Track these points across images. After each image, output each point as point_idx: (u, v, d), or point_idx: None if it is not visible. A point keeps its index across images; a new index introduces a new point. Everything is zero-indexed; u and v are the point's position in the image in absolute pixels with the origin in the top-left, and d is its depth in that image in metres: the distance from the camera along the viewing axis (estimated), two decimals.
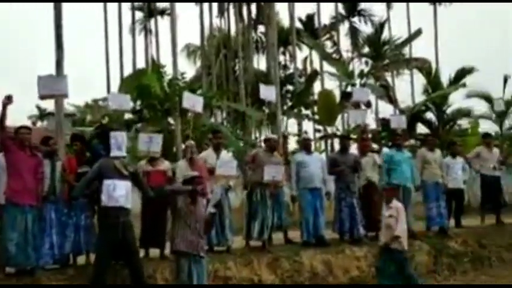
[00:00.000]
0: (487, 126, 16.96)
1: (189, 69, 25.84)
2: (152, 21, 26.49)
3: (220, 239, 6.31)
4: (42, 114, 31.23)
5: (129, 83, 15.06)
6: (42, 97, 5.64)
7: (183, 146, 7.70)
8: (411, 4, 25.54)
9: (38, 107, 31.54)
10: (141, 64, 24.05)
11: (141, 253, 5.70)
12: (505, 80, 17.45)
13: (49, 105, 24.41)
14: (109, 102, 6.79)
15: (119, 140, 4.84)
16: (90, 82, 42.30)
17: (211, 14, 23.61)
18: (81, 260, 5.61)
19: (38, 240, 5.13)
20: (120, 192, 4.64)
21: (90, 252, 5.50)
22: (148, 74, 15.10)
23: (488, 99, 17.46)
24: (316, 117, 18.81)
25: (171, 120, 14.85)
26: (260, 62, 27.21)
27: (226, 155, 6.76)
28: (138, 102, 15.39)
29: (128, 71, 21.77)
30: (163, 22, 27.00)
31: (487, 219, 8.96)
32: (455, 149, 8.76)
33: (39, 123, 30.53)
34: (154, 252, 6.02)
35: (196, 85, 18.30)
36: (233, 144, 14.30)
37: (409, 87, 23.83)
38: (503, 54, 44.55)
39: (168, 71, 15.46)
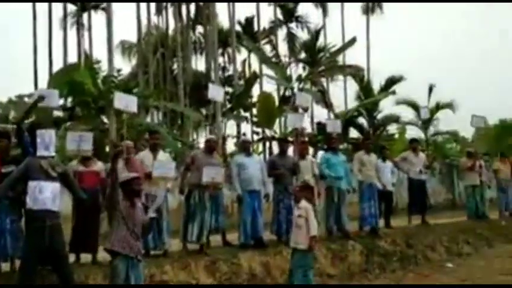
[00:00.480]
0: (413, 133, 18.08)
1: (123, 66, 24.98)
2: (85, 15, 25.31)
3: (157, 242, 6.14)
4: None
5: (59, 78, 14.19)
6: None
7: None
8: (346, 13, 26.57)
9: None
10: (72, 60, 22.91)
11: (72, 258, 5.42)
12: (430, 89, 18.70)
13: None
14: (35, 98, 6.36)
15: (46, 139, 4.55)
16: (16, 78, 39.67)
17: (149, 12, 23.04)
18: (5, 266, 5.22)
19: None
20: (46, 194, 4.37)
21: (15, 258, 5.11)
22: (81, 70, 14.38)
23: (414, 106, 18.63)
24: (255, 119, 18.98)
25: (105, 118, 14.24)
26: (198, 63, 26.97)
27: (163, 156, 6.61)
28: (69, 99, 14.61)
29: (57, 66, 20.62)
30: (97, 16, 25.89)
31: (414, 220, 9.51)
32: (385, 153, 9.23)
33: None
34: (86, 257, 5.74)
35: (133, 83, 17.71)
36: (171, 145, 14.01)
37: (342, 93, 24.76)
38: (429, 65, 47.77)
39: (103, 67, 14.84)
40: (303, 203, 5.78)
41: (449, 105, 18.48)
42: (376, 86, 19.22)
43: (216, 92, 7.39)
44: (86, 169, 5.76)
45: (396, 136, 19.90)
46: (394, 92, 18.52)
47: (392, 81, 18.93)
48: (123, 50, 27.62)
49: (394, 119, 19.31)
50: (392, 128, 20.58)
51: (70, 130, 9.82)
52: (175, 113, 21.49)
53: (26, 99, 25.04)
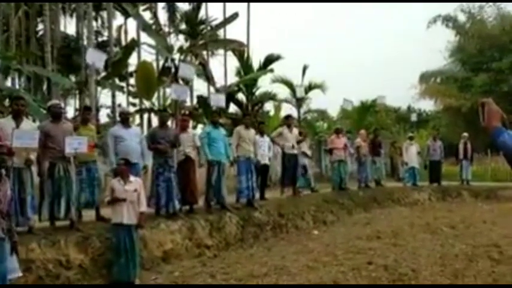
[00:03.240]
0: (288, 110, 19.10)
1: None
2: None
3: (20, 218, 5.60)
4: None
5: None
6: None
7: None
8: None
9: None
10: None
11: None
12: (304, 70, 19.85)
13: None
14: None
15: None
16: None
17: None
18: None
19: None
20: None
21: None
22: None
23: (290, 85, 19.65)
24: (132, 89, 18.14)
25: None
26: (68, 26, 24.64)
27: (28, 124, 5.98)
28: None
29: None
30: None
31: (285, 191, 10.17)
32: (262, 128, 9.63)
33: None
34: None
35: None
36: (37, 113, 12.74)
37: (222, 68, 24.90)
38: (305, 46, 50.53)
39: None
40: (132, 178, 5.72)
41: (320, 86, 19.86)
42: (255, 64, 19.74)
43: (96, 57, 6.89)
44: None
45: (272, 113, 20.84)
46: (271, 70, 19.21)
47: (270, 60, 19.60)
48: None
49: (271, 96, 20.14)
50: (268, 105, 21.48)
51: None
52: (41, 79, 19.48)
53: None
